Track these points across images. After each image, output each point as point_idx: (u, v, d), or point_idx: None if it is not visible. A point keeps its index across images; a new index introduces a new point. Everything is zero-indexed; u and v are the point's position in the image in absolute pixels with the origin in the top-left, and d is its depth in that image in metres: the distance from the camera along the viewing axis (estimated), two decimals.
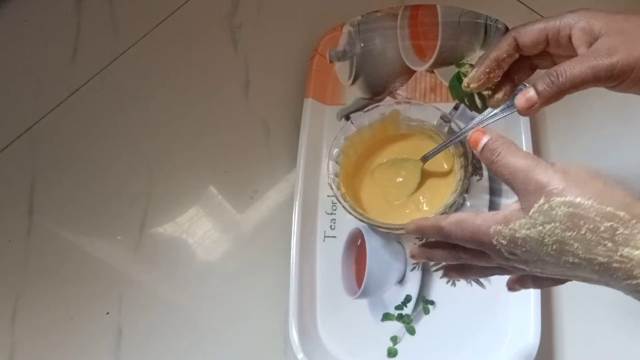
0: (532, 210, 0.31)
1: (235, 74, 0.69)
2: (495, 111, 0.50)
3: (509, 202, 0.34)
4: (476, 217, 0.34)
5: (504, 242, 0.33)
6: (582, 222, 0.30)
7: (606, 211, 0.29)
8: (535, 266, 0.33)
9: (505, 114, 0.50)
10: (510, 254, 0.33)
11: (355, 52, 0.64)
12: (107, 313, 0.59)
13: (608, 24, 0.37)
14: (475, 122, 0.51)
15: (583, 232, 0.30)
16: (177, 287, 0.60)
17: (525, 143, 0.55)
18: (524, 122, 0.56)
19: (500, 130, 0.58)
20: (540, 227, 0.31)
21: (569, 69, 0.37)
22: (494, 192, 0.56)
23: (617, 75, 0.36)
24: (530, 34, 0.40)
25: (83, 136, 0.69)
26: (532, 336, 0.48)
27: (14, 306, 0.61)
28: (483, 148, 0.35)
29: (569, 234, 0.30)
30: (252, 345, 0.56)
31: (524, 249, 0.32)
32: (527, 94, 0.38)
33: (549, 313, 0.52)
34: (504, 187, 0.56)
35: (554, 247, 0.31)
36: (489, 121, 0.51)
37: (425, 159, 0.55)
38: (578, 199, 0.30)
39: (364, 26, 0.64)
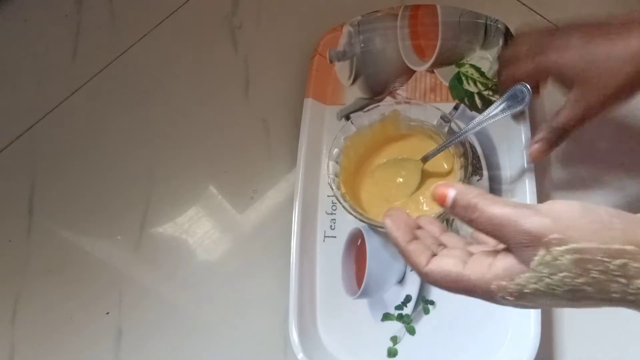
0: (534, 263, 0.29)
1: (235, 74, 0.69)
2: (494, 111, 0.50)
3: (499, 247, 0.32)
4: (465, 270, 0.32)
5: (511, 298, 0.31)
6: (590, 266, 0.28)
7: (613, 249, 0.28)
8: (548, 306, 0.32)
9: (505, 114, 0.50)
10: (518, 305, 0.31)
11: (355, 52, 0.64)
12: (107, 313, 0.59)
13: (578, 72, 0.44)
14: (475, 122, 0.51)
15: (594, 275, 0.28)
16: (177, 287, 0.60)
17: (525, 142, 0.55)
18: (523, 123, 0.56)
19: (500, 131, 0.58)
20: (547, 280, 0.29)
21: (563, 125, 0.46)
22: (494, 192, 0.56)
23: (596, 113, 0.45)
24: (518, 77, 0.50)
25: (83, 136, 0.69)
26: (532, 336, 0.48)
27: (14, 306, 0.61)
28: (453, 205, 0.32)
29: (580, 280, 0.28)
30: (252, 345, 0.56)
31: (533, 301, 0.30)
32: (537, 147, 0.48)
33: (549, 313, 0.52)
34: (504, 187, 0.56)
35: (566, 294, 0.29)
36: (489, 121, 0.51)
37: (425, 159, 0.55)
38: (581, 244, 0.28)
39: (364, 26, 0.64)
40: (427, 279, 0.34)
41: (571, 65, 0.44)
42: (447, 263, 0.33)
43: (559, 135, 0.47)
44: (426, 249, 0.35)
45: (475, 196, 0.31)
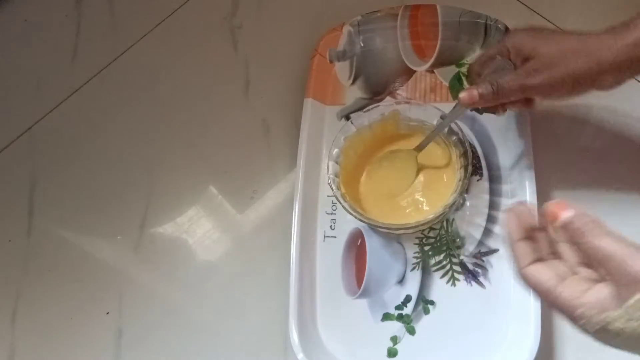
0: (628, 304, 0.29)
1: (235, 74, 0.69)
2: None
3: (600, 286, 0.31)
4: (558, 288, 0.33)
5: (591, 330, 0.31)
6: None
7: None
8: (624, 348, 0.32)
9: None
10: (595, 336, 0.32)
11: (355, 52, 0.64)
12: (107, 313, 0.59)
13: (536, 47, 0.45)
14: (454, 110, 0.52)
15: None
16: (177, 287, 0.60)
17: (525, 142, 0.55)
18: (523, 122, 0.56)
19: (500, 131, 0.58)
20: (635, 323, 0.29)
21: (504, 83, 0.46)
22: (494, 192, 0.56)
23: (541, 92, 0.46)
24: (478, 60, 0.51)
25: (83, 136, 0.69)
26: (532, 336, 0.48)
27: (14, 306, 0.61)
28: (566, 225, 0.33)
29: None
30: (252, 346, 0.56)
31: (613, 340, 0.31)
32: (471, 93, 0.47)
33: (549, 313, 0.52)
34: (504, 187, 0.56)
35: None
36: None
37: (419, 148, 0.55)
38: None
39: (364, 26, 0.64)
40: (521, 279, 0.35)
41: (536, 41, 0.45)
42: (544, 274, 0.34)
43: (497, 95, 0.47)
44: (534, 251, 0.35)
45: (589, 224, 0.32)
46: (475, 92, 0.47)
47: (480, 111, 0.59)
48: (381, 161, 0.57)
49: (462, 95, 0.48)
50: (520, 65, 0.46)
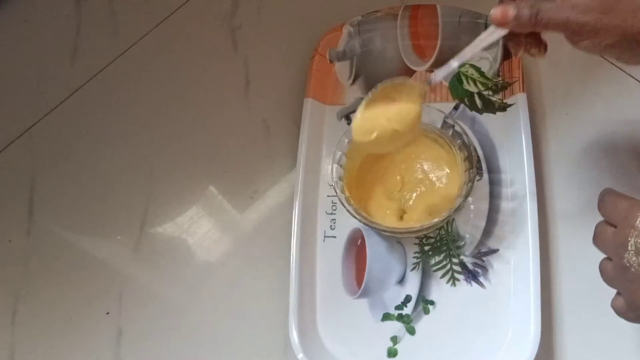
0: None
1: (235, 74, 0.69)
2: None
3: None
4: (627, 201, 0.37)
5: (633, 248, 0.34)
6: None
7: None
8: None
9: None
10: (628, 261, 0.35)
11: (355, 52, 0.64)
12: (107, 313, 0.59)
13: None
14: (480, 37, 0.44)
15: None
16: (177, 287, 0.60)
17: (525, 143, 0.55)
18: (523, 122, 0.56)
19: (500, 130, 0.58)
20: None
21: (549, 13, 0.39)
22: (494, 192, 0.56)
23: (582, 32, 0.39)
24: None
25: (83, 136, 0.69)
26: (532, 336, 0.48)
27: (14, 306, 0.61)
28: None
29: None
30: (252, 345, 0.56)
31: None
32: (506, 10, 0.40)
33: (549, 313, 0.52)
34: (504, 188, 0.56)
35: None
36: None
37: (431, 78, 0.46)
38: None
39: (364, 26, 0.64)
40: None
41: None
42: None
43: (534, 22, 0.39)
44: None
45: None
46: (510, 10, 0.39)
47: (480, 111, 0.59)
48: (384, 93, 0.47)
49: (495, 11, 0.40)
50: None
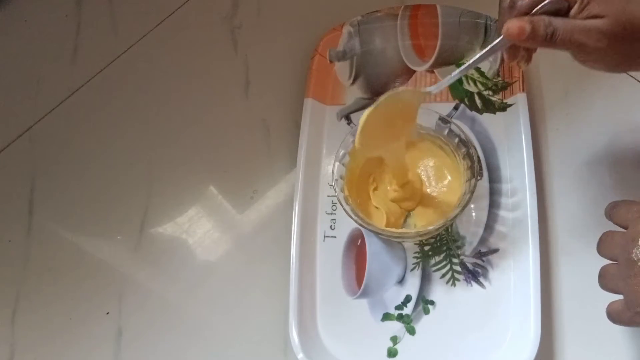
0: None
1: (235, 74, 0.69)
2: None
3: None
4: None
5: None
6: None
7: None
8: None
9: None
10: (636, 255, 0.35)
11: (355, 52, 0.64)
12: (107, 313, 0.59)
13: (610, 6, 0.38)
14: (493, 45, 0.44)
15: None
16: (177, 287, 0.60)
17: (525, 143, 0.55)
18: (523, 122, 0.56)
19: (500, 130, 0.58)
20: None
21: (565, 35, 0.39)
22: (494, 192, 0.56)
23: (591, 54, 0.39)
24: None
25: (83, 136, 0.69)
26: (532, 336, 0.48)
27: (14, 306, 0.61)
28: None
29: None
30: (252, 345, 0.56)
31: None
32: (522, 25, 0.39)
33: (549, 313, 0.52)
34: (504, 187, 0.56)
35: None
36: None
37: (431, 92, 0.47)
38: None
39: (364, 26, 0.64)
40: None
41: (612, 5, 0.38)
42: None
43: (549, 40, 0.39)
44: None
45: None
46: (527, 26, 0.39)
47: (480, 111, 0.59)
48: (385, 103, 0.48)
49: (511, 25, 0.39)
50: (578, 10, 0.39)
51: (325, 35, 0.64)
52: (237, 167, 0.64)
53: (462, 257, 0.54)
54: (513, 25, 0.39)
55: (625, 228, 0.38)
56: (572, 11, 0.39)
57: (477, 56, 0.44)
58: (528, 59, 0.44)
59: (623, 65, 0.40)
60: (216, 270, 0.60)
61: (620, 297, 0.38)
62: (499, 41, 0.42)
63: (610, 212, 0.40)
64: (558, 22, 0.39)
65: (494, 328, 0.51)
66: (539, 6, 0.39)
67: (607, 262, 0.40)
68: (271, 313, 0.56)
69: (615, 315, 0.39)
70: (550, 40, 0.39)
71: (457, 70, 0.45)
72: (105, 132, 0.69)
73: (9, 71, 0.74)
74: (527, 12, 0.40)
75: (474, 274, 0.53)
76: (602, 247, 0.40)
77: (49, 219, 0.65)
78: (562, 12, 0.40)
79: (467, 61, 0.58)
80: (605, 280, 0.39)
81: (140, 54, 0.72)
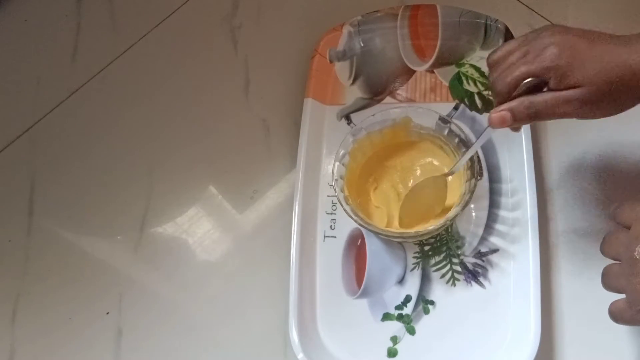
0: None
1: (235, 74, 0.69)
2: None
3: None
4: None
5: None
6: None
7: None
8: None
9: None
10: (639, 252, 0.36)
11: (355, 52, 0.64)
12: (107, 313, 0.59)
13: (577, 71, 0.40)
14: (483, 134, 0.48)
15: None
16: (177, 287, 0.60)
17: (526, 143, 0.55)
18: None
19: (500, 130, 0.58)
20: None
21: (546, 110, 0.41)
22: (494, 192, 0.56)
23: (583, 117, 0.41)
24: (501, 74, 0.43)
25: (83, 136, 0.69)
26: (532, 336, 0.48)
27: (14, 306, 0.61)
28: None
29: None
30: (252, 345, 0.56)
31: None
32: (503, 115, 0.42)
33: (549, 313, 0.52)
34: (504, 186, 0.56)
35: None
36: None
37: (450, 173, 0.53)
38: None
39: (364, 26, 0.64)
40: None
41: (586, 71, 0.40)
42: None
43: (533, 118, 0.42)
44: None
45: None
46: (508, 114, 0.42)
47: (480, 111, 0.59)
48: (411, 189, 0.55)
49: (494, 116, 0.43)
50: (555, 84, 0.41)
51: (325, 35, 0.64)
52: (237, 167, 0.64)
53: (462, 257, 0.54)
54: (494, 116, 0.43)
55: (629, 227, 0.38)
56: (550, 84, 0.41)
57: (475, 144, 0.49)
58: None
59: (618, 111, 0.42)
60: (216, 270, 0.60)
61: (622, 296, 0.38)
62: (487, 130, 0.46)
63: (615, 212, 0.40)
64: (539, 100, 0.41)
65: (494, 328, 0.51)
66: (516, 91, 0.42)
67: (608, 262, 0.40)
68: (271, 313, 0.56)
69: (617, 314, 0.39)
70: (535, 118, 0.42)
71: (467, 155, 0.50)
72: (105, 132, 0.69)
73: (9, 71, 0.74)
74: (508, 96, 0.43)
75: (474, 274, 0.53)
76: (606, 246, 0.40)
77: (49, 219, 0.65)
78: (541, 86, 0.42)
79: (467, 62, 0.59)
80: (608, 279, 0.39)
81: (140, 54, 0.72)
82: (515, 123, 0.43)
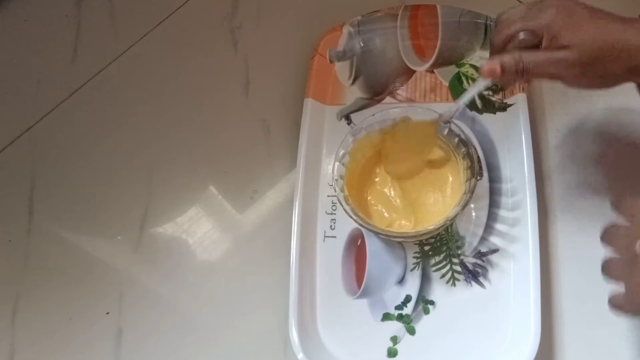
0: None
1: (235, 74, 0.69)
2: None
3: None
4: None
5: None
6: None
7: None
8: None
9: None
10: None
11: (355, 52, 0.64)
12: (107, 313, 0.59)
13: (572, 34, 0.41)
14: (474, 84, 0.49)
15: None
16: (177, 287, 0.60)
17: (525, 143, 0.55)
18: (523, 122, 0.56)
19: (500, 130, 0.58)
20: None
21: (536, 68, 0.42)
22: (494, 192, 0.56)
23: (571, 79, 0.42)
24: (500, 34, 0.45)
25: (83, 136, 0.69)
26: (532, 336, 0.48)
27: (14, 306, 0.61)
28: None
29: None
30: (252, 345, 0.56)
31: None
32: (493, 65, 0.43)
33: (549, 313, 0.52)
34: (504, 186, 0.56)
35: None
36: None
37: (443, 120, 0.52)
38: None
39: (364, 26, 0.64)
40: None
41: (573, 27, 0.41)
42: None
43: (521, 73, 0.43)
44: None
45: None
46: (497, 65, 0.43)
47: (480, 111, 0.59)
48: (399, 127, 0.55)
49: (484, 66, 0.44)
50: (547, 43, 0.42)
51: (325, 35, 0.64)
52: (237, 167, 0.64)
53: (462, 257, 0.54)
54: (485, 67, 0.44)
55: (630, 221, 0.38)
56: (543, 43, 0.42)
57: (470, 93, 0.48)
58: (527, 82, 0.48)
59: (607, 84, 0.42)
60: (216, 270, 0.60)
61: (621, 288, 0.38)
62: (478, 81, 0.47)
63: (617, 204, 0.40)
64: (529, 56, 0.42)
65: (494, 328, 0.51)
66: (511, 43, 0.44)
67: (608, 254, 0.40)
68: (271, 313, 0.56)
69: (619, 305, 0.38)
70: (523, 74, 0.43)
71: (460, 102, 0.49)
72: (105, 132, 0.69)
73: (9, 71, 0.74)
74: (502, 49, 0.44)
75: (474, 274, 0.53)
76: (607, 236, 0.40)
77: (49, 219, 0.65)
78: (535, 45, 0.43)
79: (467, 62, 0.60)
80: (609, 271, 0.39)
81: (140, 54, 0.72)
82: (504, 76, 0.43)
